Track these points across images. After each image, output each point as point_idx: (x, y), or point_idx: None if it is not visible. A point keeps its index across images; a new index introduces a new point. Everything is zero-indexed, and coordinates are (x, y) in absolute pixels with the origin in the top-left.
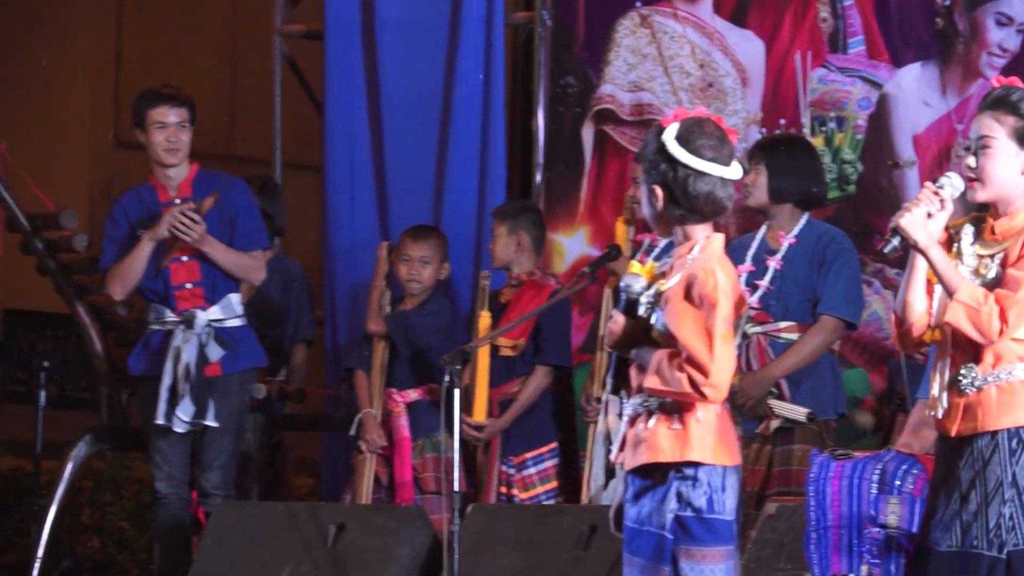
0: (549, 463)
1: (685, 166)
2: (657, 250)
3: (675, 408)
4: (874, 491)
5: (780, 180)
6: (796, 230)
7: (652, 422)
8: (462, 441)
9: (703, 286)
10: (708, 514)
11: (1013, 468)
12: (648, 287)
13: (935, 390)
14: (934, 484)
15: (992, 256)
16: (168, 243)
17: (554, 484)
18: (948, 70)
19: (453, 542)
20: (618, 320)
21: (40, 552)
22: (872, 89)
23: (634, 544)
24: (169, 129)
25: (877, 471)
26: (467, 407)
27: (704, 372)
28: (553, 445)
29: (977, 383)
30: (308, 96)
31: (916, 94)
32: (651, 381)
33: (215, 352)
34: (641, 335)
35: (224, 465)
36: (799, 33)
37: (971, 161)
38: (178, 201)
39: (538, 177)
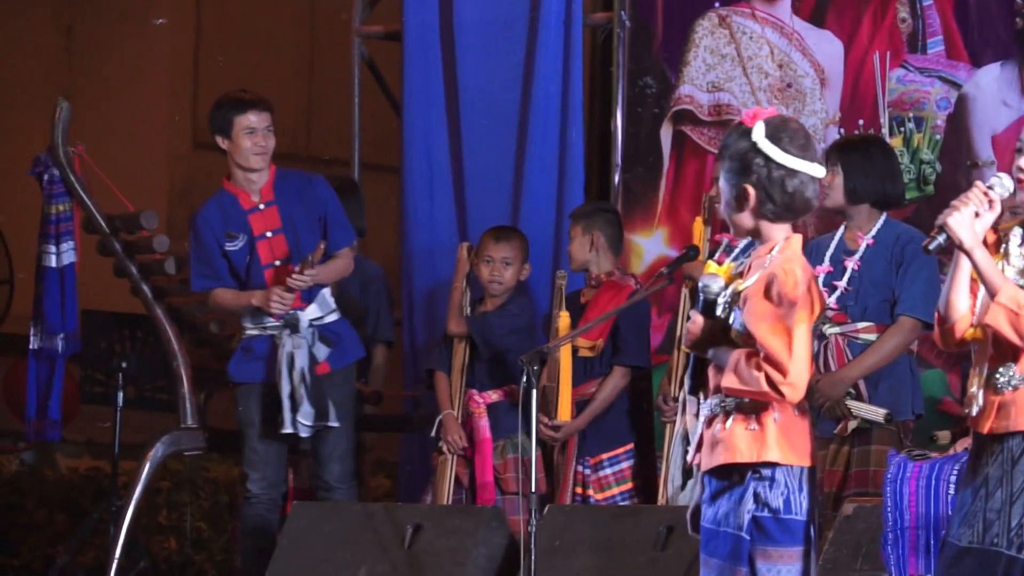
0: (625, 464)
1: (779, 165)
2: (736, 251)
3: (752, 408)
4: (951, 492)
5: (855, 180)
6: (874, 230)
7: (729, 422)
8: (540, 442)
9: (782, 285)
10: (785, 515)
11: None
12: (726, 287)
13: (973, 387)
14: (963, 481)
15: None
16: (258, 247)
17: (630, 485)
18: None
19: (529, 543)
20: (696, 320)
21: (117, 553)
22: (951, 89)
23: (711, 545)
24: (257, 134)
25: (955, 472)
26: (545, 407)
27: (782, 371)
28: (629, 446)
29: (1013, 382)
30: (386, 97)
31: (995, 94)
32: (729, 380)
33: (322, 351)
34: (719, 335)
35: (342, 457)
36: (878, 33)
37: (1021, 162)
38: (262, 207)
39: (616, 178)
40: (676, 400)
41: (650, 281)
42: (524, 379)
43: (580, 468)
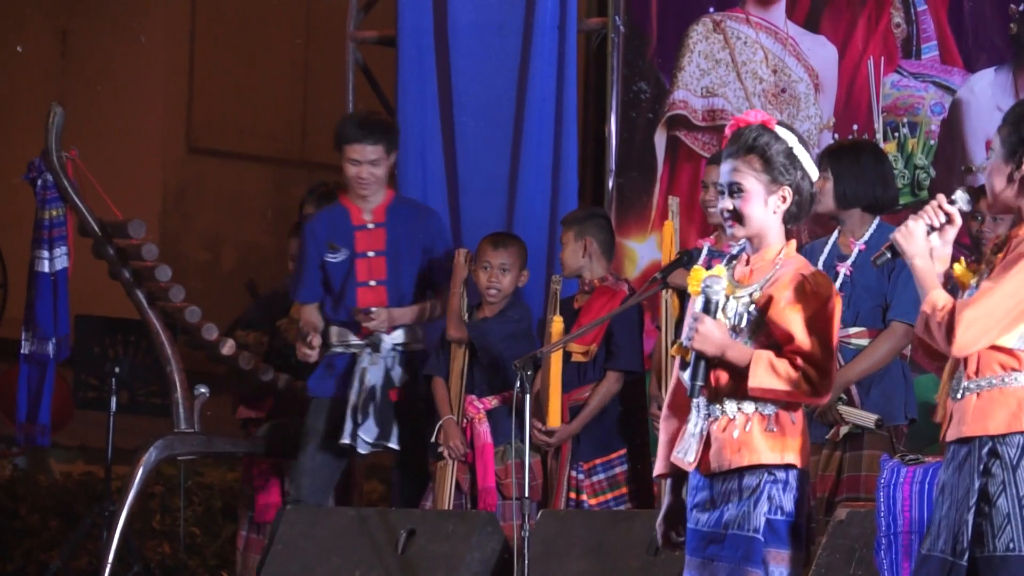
0: (619, 469)
1: (806, 172)
2: (728, 256)
3: (772, 411)
4: None
5: (845, 185)
6: (866, 235)
7: (750, 425)
8: (535, 447)
9: (817, 286)
10: (796, 518)
11: (983, 478)
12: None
13: (939, 396)
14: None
15: (992, 263)
16: (357, 264)
17: (624, 490)
18: (1022, 75)
19: (523, 548)
20: (707, 322)
21: (111, 557)
22: (945, 95)
23: (712, 548)
24: (362, 167)
25: None
26: (539, 413)
27: (822, 370)
28: (623, 451)
29: (961, 390)
30: (381, 102)
31: (989, 99)
32: (762, 381)
33: (400, 376)
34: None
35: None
36: (872, 39)
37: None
38: (370, 226)
39: (610, 183)
40: None
41: (644, 286)
42: (518, 384)
43: (574, 473)
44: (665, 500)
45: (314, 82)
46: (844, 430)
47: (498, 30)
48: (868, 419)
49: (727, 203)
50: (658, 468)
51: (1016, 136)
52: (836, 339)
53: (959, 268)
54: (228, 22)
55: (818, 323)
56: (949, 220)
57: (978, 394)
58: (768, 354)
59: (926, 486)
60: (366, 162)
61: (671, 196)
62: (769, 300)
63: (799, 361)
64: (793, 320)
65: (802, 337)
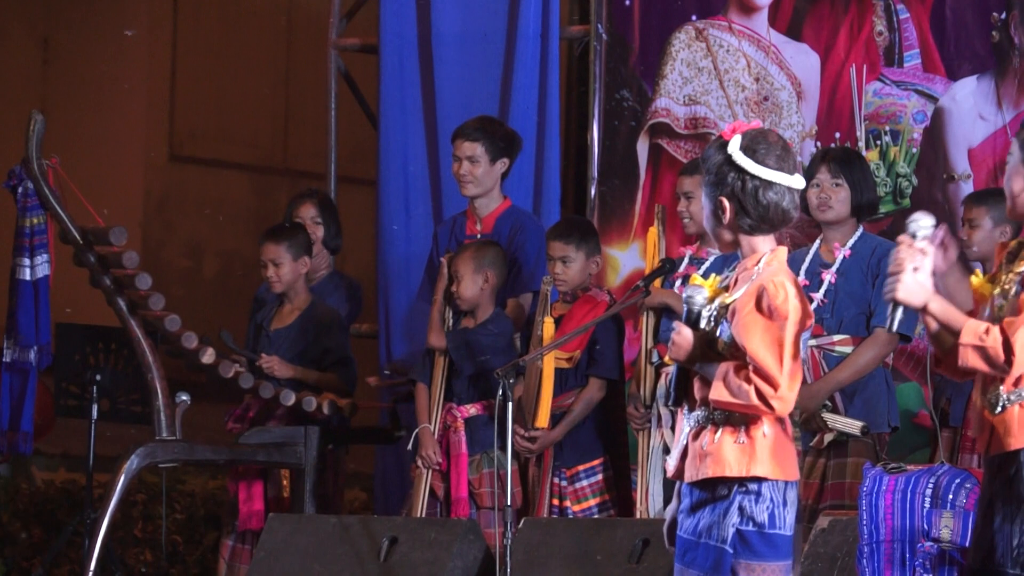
0: (602, 475)
1: (754, 176)
2: (707, 264)
3: (741, 421)
4: (927, 505)
5: (862, 193)
6: (850, 243)
7: (718, 435)
8: (516, 454)
9: (773, 298)
10: (769, 529)
11: None
12: (711, 300)
13: (974, 411)
14: (978, 504)
15: (1019, 273)
16: None
17: (607, 496)
18: (1004, 83)
19: (505, 556)
20: (683, 332)
21: (92, 565)
22: (927, 102)
23: (688, 556)
24: (461, 162)
25: (930, 485)
26: (522, 419)
27: (773, 384)
28: (606, 458)
29: (1003, 402)
30: (363, 110)
31: (971, 108)
32: (718, 393)
33: None
34: (706, 347)
35: None
36: (855, 46)
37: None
38: (479, 236)
39: (592, 191)
40: (647, 407)
41: (626, 294)
42: (500, 392)
43: (557, 480)
44: (672, 504)
45: (296, 90)
46: (829, 437)
47: (481, 38)
48: (853, 426)
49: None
50: (669, 471)
51: None
52: (793, 353)
53: (976, 280)
54: (210, 30)
55: (772, 337)
56: (923, 253)
57: (1021, 404)
58: (728, 366)
59: (908, 495)
60: (464, 158)
61: (657, 204)
62: (735, 310)
63: (750, 374)
64: (748, 333)
65: (754, 350)
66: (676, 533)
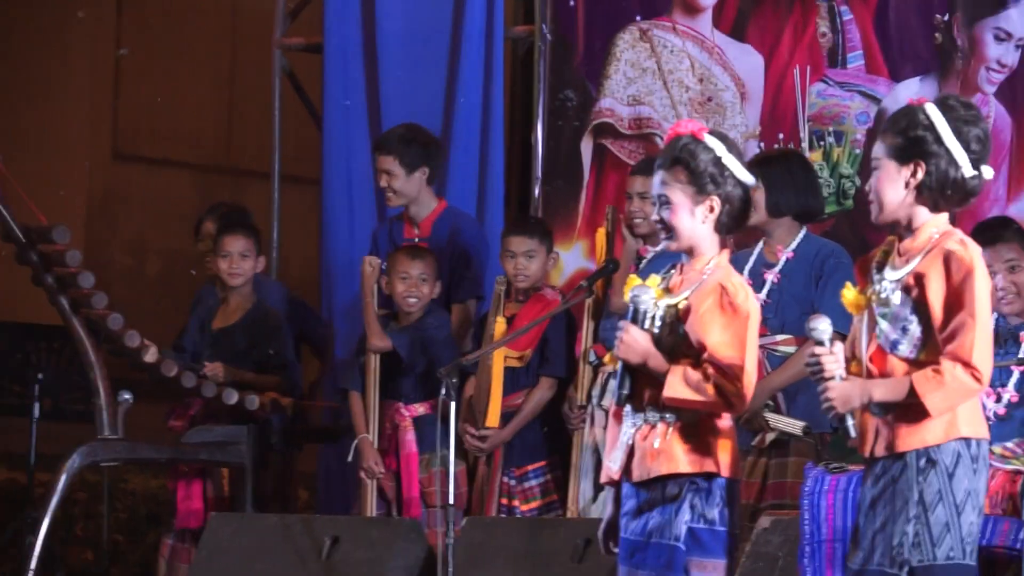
0: (549, 476)
1: (738, 180)
2: (644, 261)
3: (693, 419)
4: None
5: (778, 195)
6: (794, 244)
7: (669, 434)
8: (465, 452)
9: (734, 297)
10: (719, 526)
11: (920, 487)
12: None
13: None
14: (859, 505)
15: (894, 281)
16: None
17: (554, 497)
18: (946, 85)
19: (447, 555)
20: (630, 331)
21: (33, 564)
22: (870, 104)
23: (637, 557)
24: (381, 176)
25: None
26: (471, 418)
27: (735, 381)
28: (555, 458)
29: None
30: (307, 109)
31: None
32: (674, 390)
33: None
34: (655, 347)
35: None
36: (798, 48)
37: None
38: (416, 240)
39: (536, 190)
40: (582, 408)
41: (570, 293)
42: (443, 391)
43: (506, 479)
44: (607, 509)
45: (240, 89)
46: (770, 437)
47: (425, 38)
48: (795, 426)
49: (656, 215)
50: (603, 476)
51: (905, 139)
52: (753, 351)
53: (850, 294)
54: (153, 28)
55: (734, 334)
56: (834, 356)
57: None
58: (685, 365)
59: (850, 494)
60: (382, 172)
61: (608, 205)
62: (688, 309)
63: (711, 371)
64: (708, 330)
65: (716, 347)
66: (620, 537)
